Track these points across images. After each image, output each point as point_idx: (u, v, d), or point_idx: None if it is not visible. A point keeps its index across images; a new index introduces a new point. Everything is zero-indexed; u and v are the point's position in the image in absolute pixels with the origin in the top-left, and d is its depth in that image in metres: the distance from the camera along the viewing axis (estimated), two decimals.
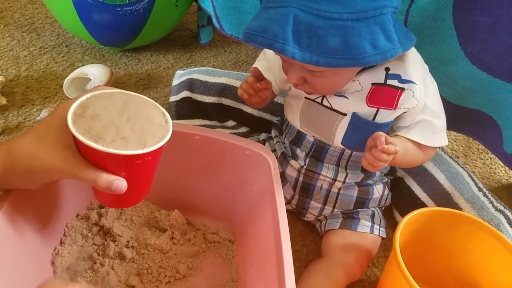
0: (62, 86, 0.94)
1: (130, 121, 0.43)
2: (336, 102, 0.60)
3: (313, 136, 0.65)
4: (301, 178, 0.68)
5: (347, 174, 0.66)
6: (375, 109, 0.58)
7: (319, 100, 0.61)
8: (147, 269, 0.59)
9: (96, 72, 0.92)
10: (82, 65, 1.02)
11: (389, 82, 0.56)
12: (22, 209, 0.50)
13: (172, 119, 0.84)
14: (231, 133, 0.83)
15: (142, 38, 1.06)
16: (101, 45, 1.08)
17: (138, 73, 1.07)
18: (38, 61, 1.05)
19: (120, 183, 0.43)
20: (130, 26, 1.00)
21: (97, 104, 0.44)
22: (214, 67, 1.07)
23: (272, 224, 0.54)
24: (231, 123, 0.90)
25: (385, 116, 0.58)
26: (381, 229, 0.67)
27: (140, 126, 0.44)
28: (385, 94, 0.57)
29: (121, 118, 0.43)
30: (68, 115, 0.42)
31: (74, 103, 0.43)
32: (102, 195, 0.48)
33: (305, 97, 0.63)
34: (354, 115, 0.59)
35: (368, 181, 0.67)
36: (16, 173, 0.43)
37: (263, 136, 0.78)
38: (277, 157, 0.67)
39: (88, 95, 0.45)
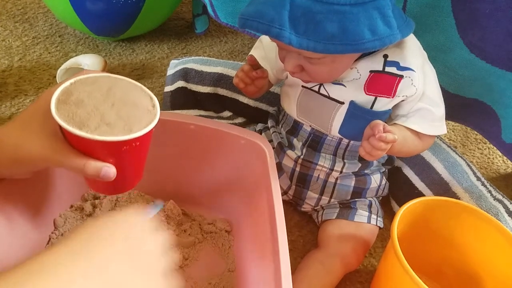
0: (55, 77, 0.93)
1: (115, 107, 0.42)
2: (334, 91, 0.59)
3: (310, 126, 0.65)
4: (297, 169, 0.67)
5: (344, 164, 0.65)
6: (373, 97, 0.57)
7: (316, 88, 0.61)
8: None
9: (89, 62, 0.91)
10: (76, 55, 1.00)
11: (388, 69, 0.56)
12: (12, 200, 0.49)
13: (167, 110, 0.84)
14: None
15: (136, 28, 1.05)
16: (94, 35, 1.07)
17: (132, 63, 1.06)
18: (31, 52, 1.03)
19: (108, 170, 0.41)
20: (124, 15, 0.99)
21: (81, 90, 0.42)
22: (210, 57, 1.05)
23: (268, 214, 0.53)
24: (227, 113, 0.89)
25: (383, 104, 0.58)
26: (378, 219, 0.66)
27: (126, 111, 0.42)
28: (384, 82, 0.56)
29: (106, 104, 0.42)
30: (51, 102, 0.40)
31: (57, 90, 0.42)
32: (93, 182, 0.47)
33: (302, 86, 0.62)
34: (352, 103, 0.58)
35: (366, 171, 0.67)
36: (2, 164, 0.42)
37: (259, 126, 0.78)
38: (273, 148, 0.67)
39: (72, 80, 0.43)
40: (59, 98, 0.41)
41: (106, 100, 0.42)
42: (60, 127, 0.41)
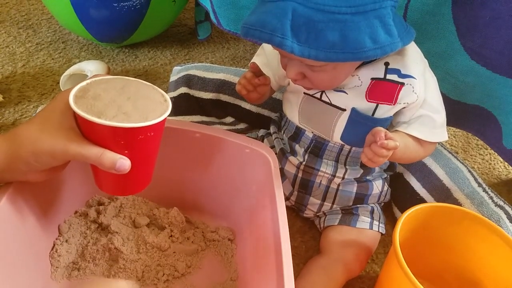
0: (59, 83, 0.94)
1: (130, 99, 0.44)
2: (335, 98, 0.59)
3: (312, 132, 0.65)
4: (300, 175, 0.67)
5: (346, 170, 0.65)
6: (375, 104, 0.58)
7: (318, 95, 0.61)
8: (145, 267, 0.58)
9: (93, 68, 0.91)
10: (79, 62, 1.01)
11: (389, 77, 0.56)
12: (20, 205, 0.50)
13: (170, 116, 0.84)
14: (229, 130, 0.82)
15: (139, 34, 1.05)
16: (98, 41, 1.08)
17: (135, 69, 1.06)
18: (34, 58, 1.04)
19: (124, 162, 0.43)
20: (127, 22, 0.99)
21: (97, 87, 0.45)
22: (212, 63, 1.06)
23: (272, 223, 0.53)
24: (229, 119, 0.89)
25: (384, 111, 0.58)
26: (380, 225, 0.66)
27: (141, 103, 0.45)
28: (385, 89, 0.56)
29: (121, 97, 0.44)
30: (70, 96, 0.43)
31: (74, 88, 0.44)
32: (103, 182, 0.48)
33: (304, 93, 0.63)
34: (354, 110, 0.58)
35: (368, 177, 0.67)
36: (21, 158, 0.43)
37: (261, 132, 0.78)
38: (275, 153, 0.67)
39: (88, 81, 0.46)
40: (76, 94, 0.44)
41: (121, 94, 0.45)
42: (77, 121, 0.44)
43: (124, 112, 0.42)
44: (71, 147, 0.42)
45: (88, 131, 0.43)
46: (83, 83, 0.45)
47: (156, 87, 0.49)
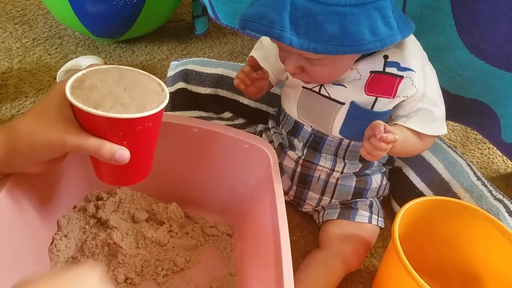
0: (55, 78, 0.93)
1: (127, 90, 0.44)
2: (334, 91, 0.59)
3: (311, 126, 0.65)
4: (298, 169, 0.67)
5: (345, 164, 0.65)
6: (374, 98, 0.57)
7: (316, 89, 0.61)
8: (144, 262, 0.58)
9: (89, 63, 0.90)
10: (76, 57, 1.00)
11: (388, 70, 0.56)
12: (18, 200, 0.50)
13: (168, 111, 0.84)
14: (228, 125, 0.82)
15: (136, 29, 1.05)
16: (94, 37, 1.07)
17: (132, 64, 1.06)
18: (31, 53, 1.03)
19: (123, 153, 0.43)
20: (124, 17, 0.99)
21: (93, 78, 0.45)
22: (210, 58, 1.05)
23: (271, 218, 0.53)
24: (227, 114, 0.89)
25: (384, 104, 0.58)
26: (379, 219, 0.66)
27: (138, 94, 0.44)
28: (384, 82, 0.56)
29: (118, 88, 0.44)
30: (66, 87, 0.42)
31: (71, 79, 0.44)
32: (103, 172, 0.48)
33: (303, 87, 0.62)
34: (353, 104, 0.58)
35: (366, 171, 0.67)
36: (18, 150, 0.43)
37: (260, 127, 0.78)
38: (274, 148, 0.67)
39: (84, 71, 0.45)
40: (72, 85, 0.43)
41: (118, 85, 0.44)
42: (75, 112, 0.43)
43: (122, 103, 0.42)
44: (68, 138, 0.42)
45: (85, 123, 0.43)
46: (79, 74, 0.45)
47: (153, 76, 0.48)
